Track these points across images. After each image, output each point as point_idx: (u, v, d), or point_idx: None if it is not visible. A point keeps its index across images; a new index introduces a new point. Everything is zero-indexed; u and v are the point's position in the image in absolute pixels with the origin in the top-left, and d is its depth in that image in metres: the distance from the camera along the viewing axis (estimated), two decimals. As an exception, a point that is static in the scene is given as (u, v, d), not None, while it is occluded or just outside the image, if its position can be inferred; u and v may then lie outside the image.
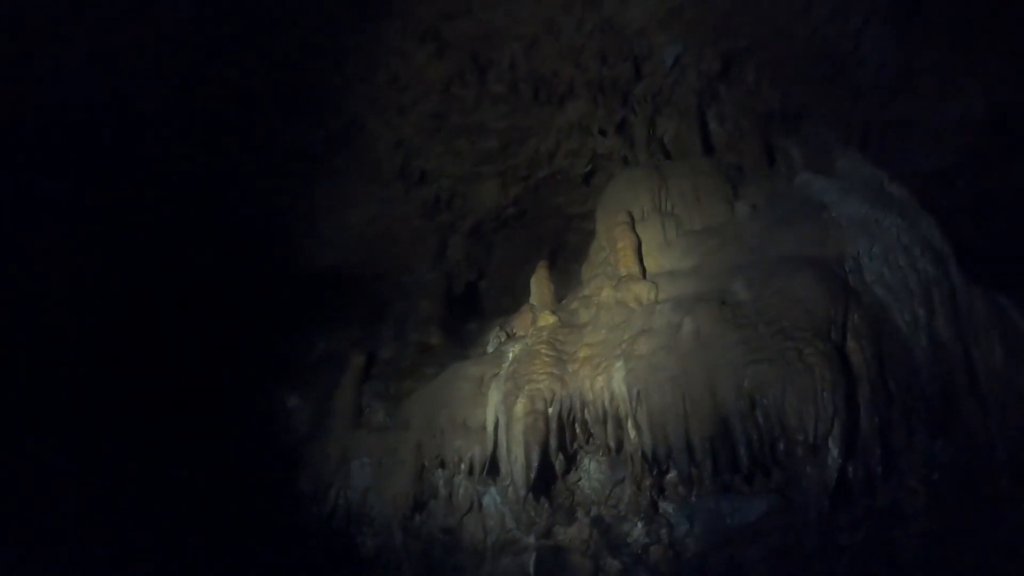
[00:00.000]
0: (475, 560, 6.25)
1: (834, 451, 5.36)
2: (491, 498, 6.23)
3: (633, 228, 6.70)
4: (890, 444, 6.03)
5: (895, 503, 6.23)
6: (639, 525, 6.16)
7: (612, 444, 5.83)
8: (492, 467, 5.97)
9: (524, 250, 7.56)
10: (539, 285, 6.83)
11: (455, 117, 7.13)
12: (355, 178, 7.23)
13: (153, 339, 6.70)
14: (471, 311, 7.91)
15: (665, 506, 6.27)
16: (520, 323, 6.58)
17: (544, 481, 6.06)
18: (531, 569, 6.16)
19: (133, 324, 6.58)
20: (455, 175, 7.51)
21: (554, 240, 8.19)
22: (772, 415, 5.30)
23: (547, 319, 6.49)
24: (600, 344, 6.08)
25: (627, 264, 6.41)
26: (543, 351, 6.19)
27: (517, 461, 5.78)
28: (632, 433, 5.77)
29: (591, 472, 6.21)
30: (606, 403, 5.82)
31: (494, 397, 6.03)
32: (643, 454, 5.67)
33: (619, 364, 5.84)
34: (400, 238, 7.80)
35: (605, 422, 5.83)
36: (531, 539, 6.21)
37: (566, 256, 7.95)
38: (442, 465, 6.12)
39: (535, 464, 5.77)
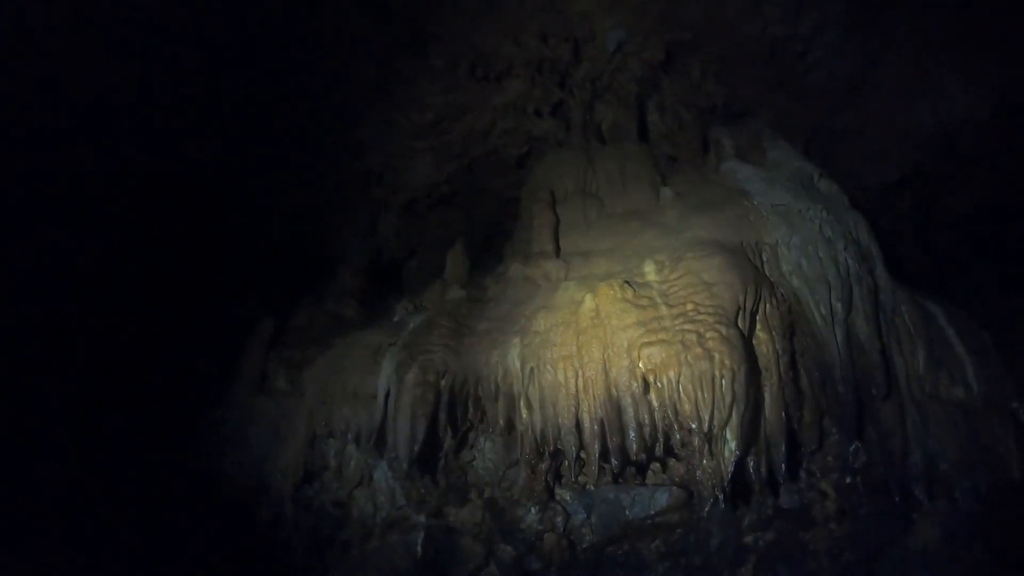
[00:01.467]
0: (363, 536, 5.45)
1: (731, 443, 4.54)
2: (382, 472, 5.42)
3: (553, 207, 5.93)
4: (798, 443, 5.22)
5: (804, 506, 5.39)
6: (533, 511, 5.33)
7: (502, 421, 5.04)
8: (380, 439, 5.18)
9: (458, 232, 6.80)
10: (454, 260, 6.07)
11: (394, 89, 6.40)
12: (290, 144, 6.52)
13: (63, 300, 5.97)
14: (395, 287, 7.15)
15: (562, 493, 5.45)
16: (429, 296, 5.82)
17: (432, 456, 5.27)
18: (419, 549, 5.35)
19: (40, 282, 5.84)
20: (389, 149, 6.80)
21: (490, 223, 7.44)
22: (666, 399, 4.49)
23: (455, 293, 5.73)
24: (501, 319, 5.30)
25: (541, 242, 5.63)
26: (443, 323, 5.41)
27: (402, 432, 5.00)
28: (524, 412, 4.98)
29: (485, 452, 5.40)
30: (499, 379, 5.03)
31: (387, 367, 5.24)
32: (533, 433, 4.88)
33: (516, 340, 5.05)
34: (332, 210, 7.08)
35: (497, 398, 5.04)
36: (421, 518, 5.40)
37: (501, 240, 7.18)
38: (331, 435, 5.34)
39: (420, 437, 4.98)
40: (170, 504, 5.72)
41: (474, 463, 5.39)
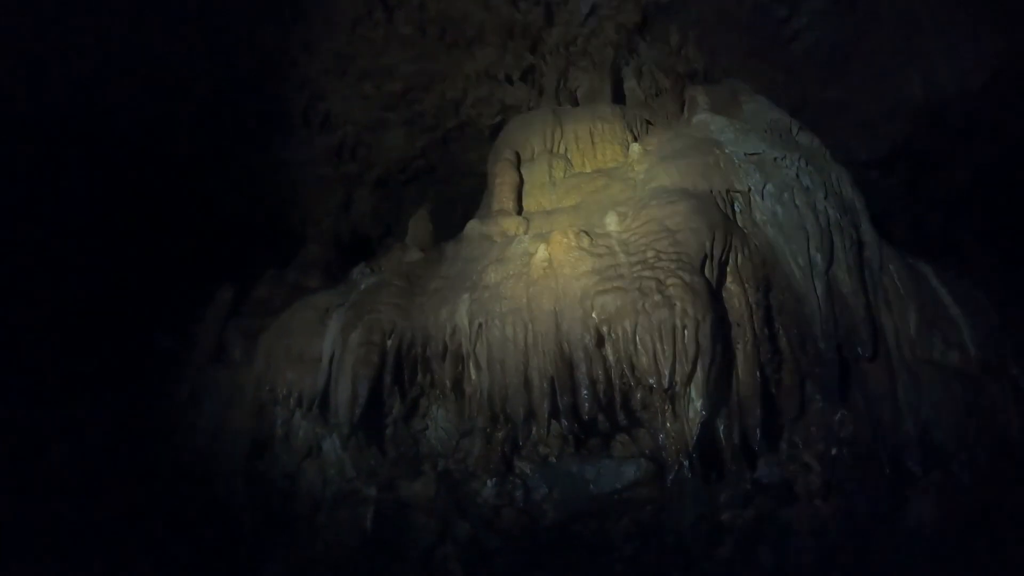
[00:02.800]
0: (311, 511, 4.69)
1: (697, 402, 3.73)
2: (331, 443, 4.67)
3: (516, 167, 5.18)
4: (776, 408, 4.38)
5: (786, 480, 4.52)
6: (489, 484, 4.55)
7: (449, 383, 4.27)
8: (324, 404, 4.43)
9: (435, 208, 6.08)
10: (416, 225, 5.35)
11: (362, 59, 5.74)
12: (256, 116, 5.88)
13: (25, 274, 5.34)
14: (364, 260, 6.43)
15: (521, 465, 4.65)
16: (387, 260, 5.09)
17: (379, 424, 4.52)
18: (368, 524, 4.58)
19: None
20: (359, 120, 6.12)
21: (466, 200, 6.68)
22: (622, 353, 3.70)
23: (413, 255, 5.00)
24: (454, 277, 4.54)
25: (501, 200, 4.88)
26: (395, 283, 4.67)
27: (343, 394, 4.25)
28: (473, 373, 4.21)
29: (438, 420, 4.62)
30: (447, 337, 4.26)
31: (333, 327, 4.51)
32: (481, 396, 4.11)
33: (465, 296, 4.30)
34: (305, 187, 6.41)
35: (444, 358, 4.28)
36: (372, 491, 4.63)
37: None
38: (276, 401, 4.60)
39: (362, 399, 4.23)
40: (121, 478, 5.02)
41: (426, 432, 4.61)
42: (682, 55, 5.90)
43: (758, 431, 3.99)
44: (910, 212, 7.25)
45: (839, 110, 6.78)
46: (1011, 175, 6.97)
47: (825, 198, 4.36)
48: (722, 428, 3.93)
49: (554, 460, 4.65)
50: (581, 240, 4.07)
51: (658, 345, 3.63)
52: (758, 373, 4.01)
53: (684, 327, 3.63)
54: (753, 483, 4.52)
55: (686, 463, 3.79)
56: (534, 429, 3.90)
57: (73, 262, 5.45)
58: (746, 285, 4.07)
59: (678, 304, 3.67)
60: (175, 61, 5.37)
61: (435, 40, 5.59)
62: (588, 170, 5.11)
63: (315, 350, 4.50)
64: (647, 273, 3.80)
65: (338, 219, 6.40)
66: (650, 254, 3.93)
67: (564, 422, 3.80)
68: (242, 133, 5.94)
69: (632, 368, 3.69)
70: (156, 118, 5.55)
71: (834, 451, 4.43)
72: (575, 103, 5.95)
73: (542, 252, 4.10)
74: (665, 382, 3.63)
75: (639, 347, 3.66)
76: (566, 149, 5.31)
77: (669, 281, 3.75)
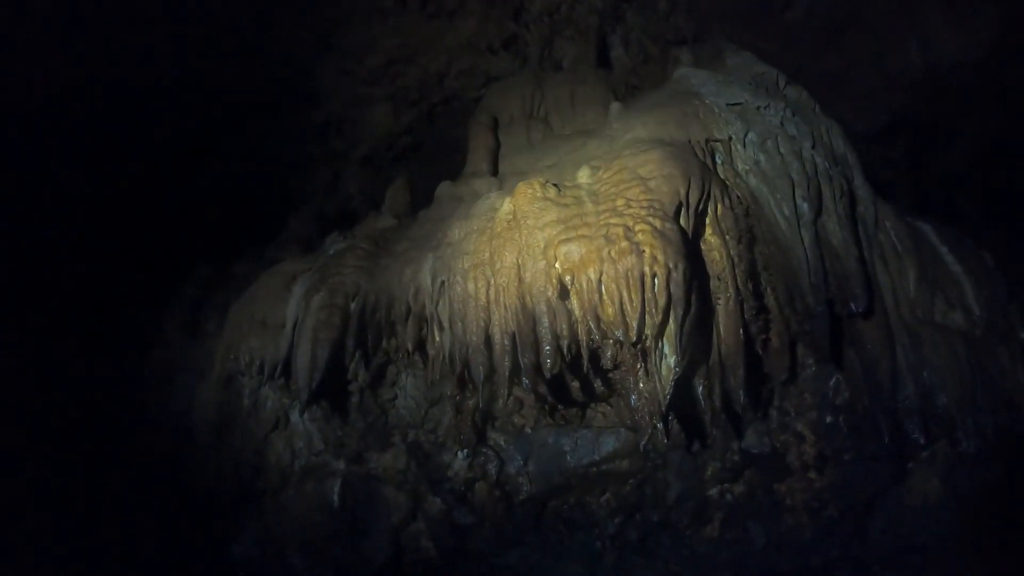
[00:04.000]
0: (279, 485, 4.28)
1: (670, 358, 3.25)
2: (299, 414, 4.27)
3: (494, 131, 4.77)
4: (763, 371, 3.87)
5: (777, 451, 3.99)
6: (460, 456, 4.10)
7: (411, 345, 3.84)
8: (287, 371, 4.03)
9: (423, 184, 5.68)
10: (394, 193, 4.95)
11: (343, 32, 5.39)
12: (240, 96, 5.55)
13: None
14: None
15: (495, 436, 4.19)
16: (361, 227, 4.70)
17: (343, 391, 4.11)
18: (335, 498, 4.16)
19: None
20: (343, 97, 5.76)
21: (456, 177, 6.27)
22: (586, 304, 3.23)
23: (386, 222, 4.59)
24: (421, 238, 4.12)
25: (474, 162, 4.48)
26: (363, 246, 4.26)
27: (303, 358, 3.84)
28: (436, 334, 3.78)
29: (407, 389, 4.18)
30: (411, 298, 3.84)
31: (297, 292, 4.12)
32: (443, 357, 3.67)
33: (430, 255, 3.87)
34: (290, 165, 6.05)
35: (407, 319, 3.85)
36: (340, 464, 4.21)
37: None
38: (240, 371, 4.20)
39: (322, 363, 3.81)
40: (92, 455, 4.67)
41: (395, 401, 4.18)
42: (671, 22, 5.44)
43: (742, 393, 3.48)
44: (913, 186, 6.67)
45: (835, 81, 6.24)
46: (1016, 147, 6.38)
47: (813, 147, 3.87)
48: (700, 389, 3.44)
49: (529, 431, 4.20)
50: (547, 190, 3.63)
51: (625, 294, 3.16)
52: (741, 331, 3.51)
53: (654, 275, 3.16)
54: (741, 454, 4.01)
55: (660, 426, 3.30)
56: (501, 394, 3.43)
57: (48, 239, 5.14)
58: (727, 236, 3.58)
59: (647, 251, 3.20)
60: (155, 42, 5.06)
61: (416, 11, 5.23)
62: (567, 131, 4.68)
63: (279, 316, 4.10)
64: (615, 220, 3.34)
65: (324, 198, 6.05)
66: (620, 202, 3.46)
67: (526, 382, 3.34)
68: (225, 112, 5.61)
69: (598, 320, 3.21)
70: (134, 98, 5.22)
71: (829, 419, 3.90)
72: (560, 70, 5.54)
73: (507, 205, 3.65)
74: (633, 334, 3.16)
75: (604, 297, 3.20)
76: (546, 113, 4.88)
77: (638, 227, 3.28)
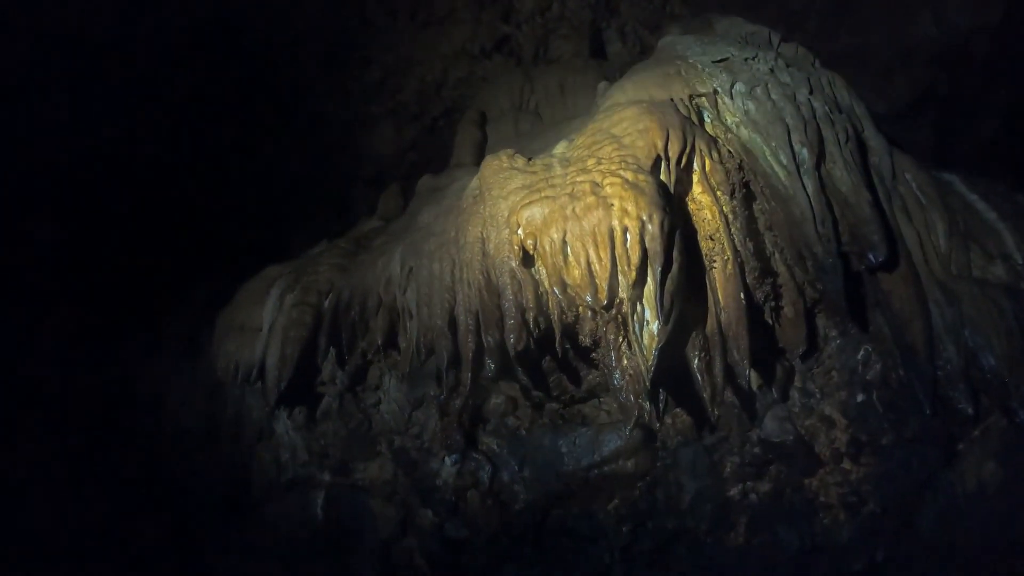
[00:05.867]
0: (262, 498, 3.86)
1: (652, 324, 2.71)
2: (283, 423, 3.87)
3: (481, 126, 4.38)
4: (778, 345, 3.24)
5: (803, 439, 3.32)
6: (448, 463, 3.59)
7: (381, 339, 3.40)
8: (262, 375, 3.66)
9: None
10: (387, 198, 4.58)
11: (339, 52, 5.20)
12: (251, 124, 5.41)
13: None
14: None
15: (487, 440, 3.66)
16: (352, 232, 4.36)
17: (318, 394, 3.69)
18: (319, 512, 3.70)
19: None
20: (345, 117, 5.52)
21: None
22: (550, 269, 2.75)
23: (373, 223, 4.24)
24: (397, 231, 3.72)
25: (459, 155, 4.09)
26: (342, 245, 3.91)
27: (272, 357, 3.46)
28: (407, 324, 3.35)
29: (390, 391, 3.74)
30: (382, 289, 3.44)
31: (274, 294, 3.77)
32: (412, 348, 3.22)
33: (401, 243, 3.47)
34: (300, 188, 5.84)
35: (378, 312, 3.44)
36: (325, 475, 3.77)
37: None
38: (221, 378, 3.83)
39: (291, 363, 3.41)
40: (92, 470, 4.38)
41: (379, 406, 3.74)
42: (667, 11, 5.03)
43: (747, 366, 2.88)
44: (943, 166, 5.91)
45: (849, 61, 5.58)
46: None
47: (810, 94, 3.31)
48: (696, 363, 2.87)
49: (524, 433, 3.68)
50: (514, 161, 3.17)
51: (592, 253, 2.65)
52: (742, 295, 2.93)
53: (625, 229, 2.64)
54: (761, 445, 3.37)
55: (647, 405, 2.74)
56: (465, 380, 2.92)
57: (51, 252, 4.98)
58: (717, 192, 3.02)
59: (616, 203, 2.69)
60: (161, 71, 5.01)
61: (407, 23, 5.00)
62: (557, 120, 4.26)
63: (257, 320, 3.77)
64: (582, 178, 2.85)
65: (334, 218, 5.79)
66: (591, 162, 2.96)
67: (491, 365, 2.85)
68: (231, 137, 5.47)
69: (564, 286, 2.70)
70: (143, 134, 5.14)
71: (860, 397, 3.22)
72: (557, 72, 5.18)
73: (474, 181, 3.26)
74: (603, 297, 2.64)
75: (570, 259, 2.68)
76: (536, 105, 4.48)
77: (607, 181, 2.78)
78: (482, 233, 3.00)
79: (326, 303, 3.52)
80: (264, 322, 3.71)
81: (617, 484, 3.53)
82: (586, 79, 4.46)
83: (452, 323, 2.97)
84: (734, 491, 3.45)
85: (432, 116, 5.48)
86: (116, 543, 3.92)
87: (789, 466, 3.35)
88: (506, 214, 2.95)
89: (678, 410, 3.57)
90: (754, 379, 3.35)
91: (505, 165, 3.15)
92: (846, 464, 3.24)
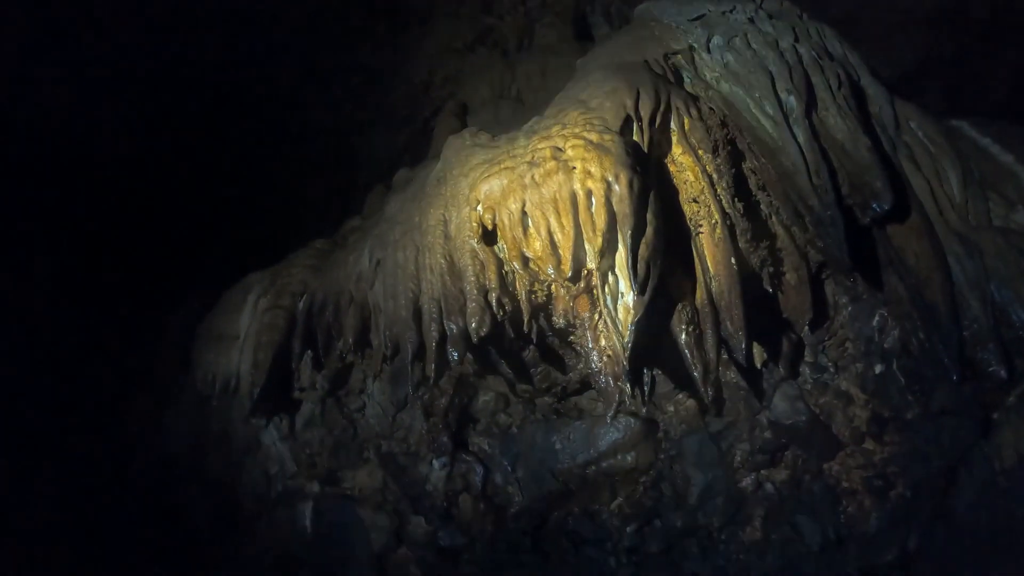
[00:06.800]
0: (256, 512, 3.64)
1: (627, 295, 2.40)
2: (270, 435, 3.65)
3: (459, 116, 4.15)
4: (782, 314, 2.88)
5: (818, 419, 2.93)
6: (436, 466, 3.30)
7: (351, 339, 3.14)
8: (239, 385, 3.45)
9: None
10: (372, 199, 4.37)
11: (325, 54, 5.05)
12: (240, 139, 5.30)
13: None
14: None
15: (478, 440, 3.37)
16: (335, 235, 4.16)
17: (297, 400, 3.46)
18: (308, 524, 3.46)
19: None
20: (336, 127, 5.38)
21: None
22: (510, 243, 2.47)
23: (354, 223, 4.02)
24: (370, 226, 3.50)
25: (436, 147, 3.82)
26: (318, 245, 3.69)
27: (245, 364, 3.25)
28: (376, 319, 3.10)
29: (374, 395, 3.48)
30: (353, 286, 3.20)
31: (250, 300, 3.58)
32: (381, 342, 2.96)
33: (370, 237, 3.24)
34: (295, 199, 5.68)
35: (349, 310, 3.20)
36: (314, 486, 3.53)
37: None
38: (205, 390, 3.66)
39: (264, 369, 3.17)
40: (86, 490, 4.24)
41: (364, 411, 3.50)
42: (655, -11, 4.73)
43: (742, 338, 2.54)
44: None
45: (847, 28, 5.21)
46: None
47: (796, 41, 2.98)
48: (684, 337, 2.54)
49: (516, 430, 3.38)
50: (477, 138, 2.91)
51: (553, 221, 2.35)
52: (733, 261, 2.60)
53: (588, 193, 2.34)
54: (772, 428, 3.00)
55: (626, 387, 2.42)
56: (430, 372, 2.66)
57: (42, 267, 4.90)
58: (699, 151, 2.71)
59: (578, 166, 2.40)
60: (156, 94, 4.94)
61: (387, 24, 4.83)
62: (540, 104, 4.01)
63: (235, 328, 3.57)
64: (543, 144, 2.59)
65: (328, 229, 5.60)
66: (555, 128, 2.69)
67: (453, 353, 2.57)
68: (224, 155, 5.36)
69: (525, 260, 2.42)
70: (142, 151, 5.08)
71: (878, 368, 2.83)
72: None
73: (439, 164, 3.02)
74: (567, 268, 2.34)
75: (531, 230, 2.41)
76: (518, 91, 4.24)
77: (568, 144, 2.50)
78: (444, 215, 2.74)
79: (300, 305, 3.31)
80: (241, 330, 3.53)
81: (618, 480, 3.20)
82: (570, 61, 4.17)
83: (417, 314, 2.72)
84: (746, 482, 3.08)
85: (423, 117, 5.25)
86: (109, 567, 3.76)
87: (805, 450, 2.97)
88: (467, 192, 2.69)
89: (680, 396, 3.27)
90: (758, 355, 3.02)
91: (468, 143, 2.89)
92: (868, 444, 2.85)
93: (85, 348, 4.52)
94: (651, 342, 2.46)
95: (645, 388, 2.54)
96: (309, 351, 3.29)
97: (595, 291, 2.41)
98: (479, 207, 2.55)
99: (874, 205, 2.59)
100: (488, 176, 2.56)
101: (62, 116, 4.59)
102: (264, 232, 5.39)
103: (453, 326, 2.55)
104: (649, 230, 2.39)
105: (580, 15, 4.82)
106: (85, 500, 4.07)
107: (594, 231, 2.33)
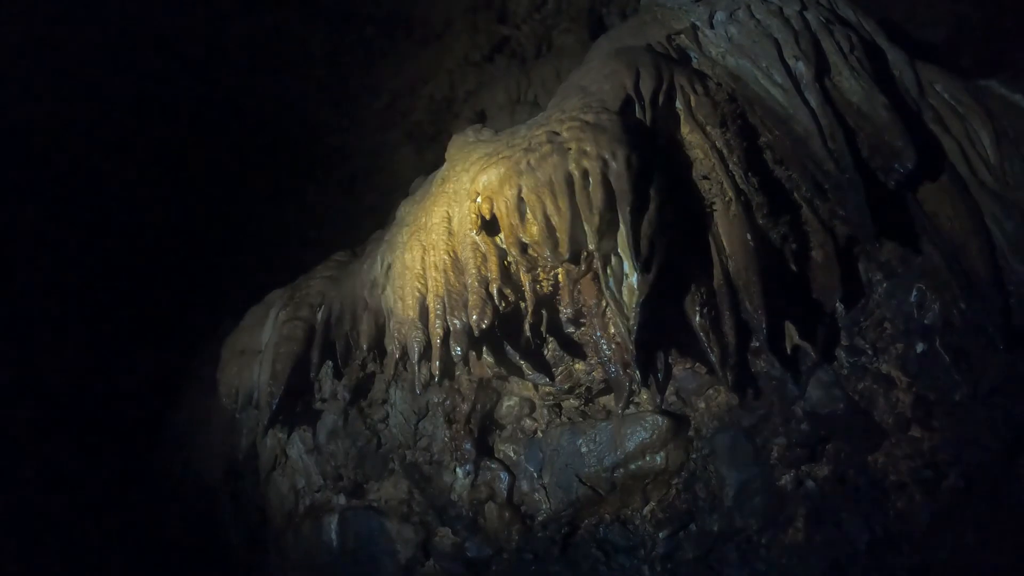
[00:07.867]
0: (284, 527, 3.59)
1: (632, 276, 2.28)
2: (296, 448, 3.63)
3: (475, 123, 4.13)
4: (811, 295, 2.67)
5: (858, 406, 2.70)
6: (460, 474, 3.20)
7: (366, 345, 3.10)
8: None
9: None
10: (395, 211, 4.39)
11: (349, 78, 5.16)
12: (273, 170, 5.44)
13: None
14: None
15: (503, 447, 3.25)
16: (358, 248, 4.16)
17: (319, 411, 3.42)
18: (333, 537, 3.40)
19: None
20: (364, 148, 5.45)
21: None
22: (508, 230, 2.39)
23: (377, 235, 4.02)
24: (384, 233, 3.49)
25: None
26: (338, 258, 3.71)
27: (264, 375, 3.25)
28: (390, 325, 3.04)
29: (397, 403, 3.42)
30: (367, 293, 3.18)
31: (272, 313, 3.61)
32: (396, 350, 2.90)
33: (383, 243, 3.23)
34: (327, 224, 5.76)
35: (363, 315, 3.16)
36: (340, 499, 3.48)
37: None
38: (230, 405, 3.68)
39: (282, 380, 3.17)
40: (118, 508, 4.30)
41: (387, 421, 3.44)
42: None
43: (762, 317, 2.39)
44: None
45: (870, 6, 5.00)
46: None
47: (803, 9, 2.83)
48: (698, 319, 2.39)
49: (540, 434, 3.25)
50: (480, 134, 2.88)
51: (549, 204, 2.28)
52: (749, 237, 2.46)
53: (584, 172, 2.26)
54: (809, 419, 2.78)
55: (636, 374, 2.29)
56: (435, 371, 2.58)
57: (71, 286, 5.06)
58: (707, 128, 2.60)
59: (573, 146, 2.33)
60: (177, 121, 5.13)
61: (405, 42, 4.90)
62: (554, 105, 3.97)
63: (257, 342, 3.61)
64: (539, 131, 2.53)
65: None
66: (554, 115, 2.65)
67: (457, 349, 2.49)
68: (251, 177, 5.52)
69: (523, 247, 2.35)
70: (163, 190, 5.26)
71: (920, 347, 2.60)
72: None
73: (445, 165, 2.99)
74: (565, 250, 2.25)
75: (528, 215, 2.34)
76: (535, 96, 4.21)
77: (564, 127, 2.44)
78: (447, 212, 2.70)
79: (319, 316, 3.32)
80: (262, 343, 3.56)
81: (651, 484, 3.02)
82: (579, 61, 4.16)
83: (424, 313, 2.67)
84: (785, 479, 2.86)
85: (449, 133, 5.30)
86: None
87: (847, 441, 2.75)
88: (468, 186, 2.65)
89: (711, 391, 3.08)
90: (788, 340, 2.83)
91: (471, 140, 2.87)
92: (915, 431, 2.61)
93: (120, 367, 4.65)
94: (661, 327, 2.34)
95: (659, 375, 2.42)
96: (329, 361, 3.31)
97: (598, 274, 2.33)
98: (479, 199, 2.51)
99: (896, 166, 2.41)
100: (487, 167, 2.52)
101: (109, 128, 4.81)
102: (297, 260, 5.52)
103: (456, 321, 2.49)
104: (652, 207, 2.29)
105: (596, 18, 4.79)
106: (123, 517, 4.15)
107: (591, 210, 2.24)
